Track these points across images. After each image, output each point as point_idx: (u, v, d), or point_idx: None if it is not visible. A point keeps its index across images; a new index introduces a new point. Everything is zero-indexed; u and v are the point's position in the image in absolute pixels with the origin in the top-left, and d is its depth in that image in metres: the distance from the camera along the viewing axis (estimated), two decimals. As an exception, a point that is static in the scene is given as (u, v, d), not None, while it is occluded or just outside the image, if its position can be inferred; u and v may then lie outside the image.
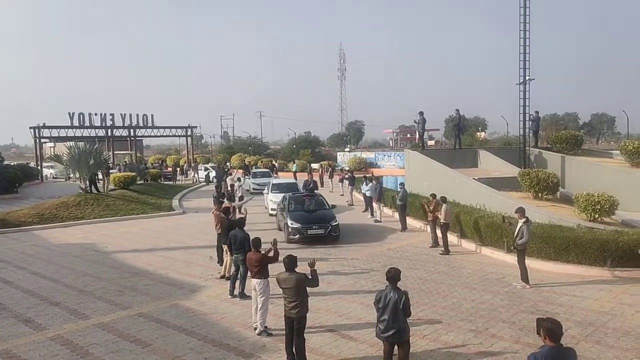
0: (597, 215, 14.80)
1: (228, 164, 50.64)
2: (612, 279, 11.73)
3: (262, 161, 54.17)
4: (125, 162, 46.12)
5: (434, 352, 8.00)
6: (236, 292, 10.94)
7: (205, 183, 39.21)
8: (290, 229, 16.42)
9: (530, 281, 11.35)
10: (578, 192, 15.91)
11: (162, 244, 17.10)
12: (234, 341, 8.59)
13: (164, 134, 55.44)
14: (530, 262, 12.33)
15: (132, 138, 53.44)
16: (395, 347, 6.70)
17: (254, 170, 39.23)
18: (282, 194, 20.71)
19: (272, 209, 21.56)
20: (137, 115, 49.36)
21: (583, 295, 10.62)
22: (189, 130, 55.43)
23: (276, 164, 49.67)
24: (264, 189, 26.04)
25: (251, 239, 9.60)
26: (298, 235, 16.25)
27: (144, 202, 25.84)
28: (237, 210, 21.76)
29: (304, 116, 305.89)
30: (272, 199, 22.20)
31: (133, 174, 29.79)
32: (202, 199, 28.52)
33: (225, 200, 17.60)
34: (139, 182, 30.69)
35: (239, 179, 24.93)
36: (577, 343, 8.09)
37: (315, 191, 21.26)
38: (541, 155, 23.72)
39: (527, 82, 22.17)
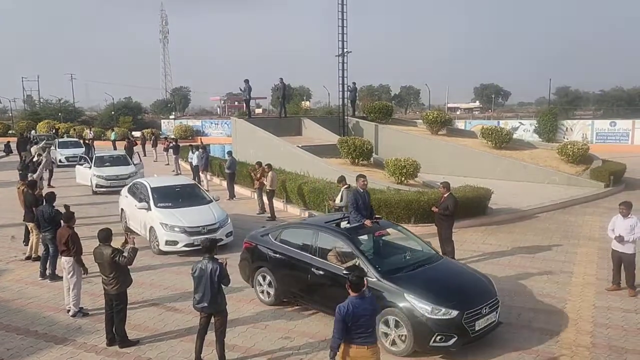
0: (403, 178, 16.49)
1: (33, 131, 45.06)
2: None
3: (129, 133, 37.18)
4: None
5: (260, 314, 8.31)
6: (48, 272, 9.98)
7: (4, 154, 34.51)
8: (425, 323, 6.69)
9: (347, 240, 12.25)
10: (388, 158, 17.54)
11: (-52, 226, 14.64)
12: (43, 327, 7.84)
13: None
14: (347, 223, 13.35)
15: None
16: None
17: (98, 154, 22.39)
18: (189, 219, 11.69)
19: (168, 242, 11.41)
20: None
21: (391, 250, 11.83)
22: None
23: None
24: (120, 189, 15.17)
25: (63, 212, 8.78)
26: (455, 340, 6.70)
27: None
28: (48, 184, 19.53)
29: (123, 81, 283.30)
30: (166, 222, 11.48)
31: None
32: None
33: (29, 173, 15.70)
34: None
35: (44, 149, 21.60)
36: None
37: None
38: (358, 124, 25.54)
39: (345, 54, 23.51)
